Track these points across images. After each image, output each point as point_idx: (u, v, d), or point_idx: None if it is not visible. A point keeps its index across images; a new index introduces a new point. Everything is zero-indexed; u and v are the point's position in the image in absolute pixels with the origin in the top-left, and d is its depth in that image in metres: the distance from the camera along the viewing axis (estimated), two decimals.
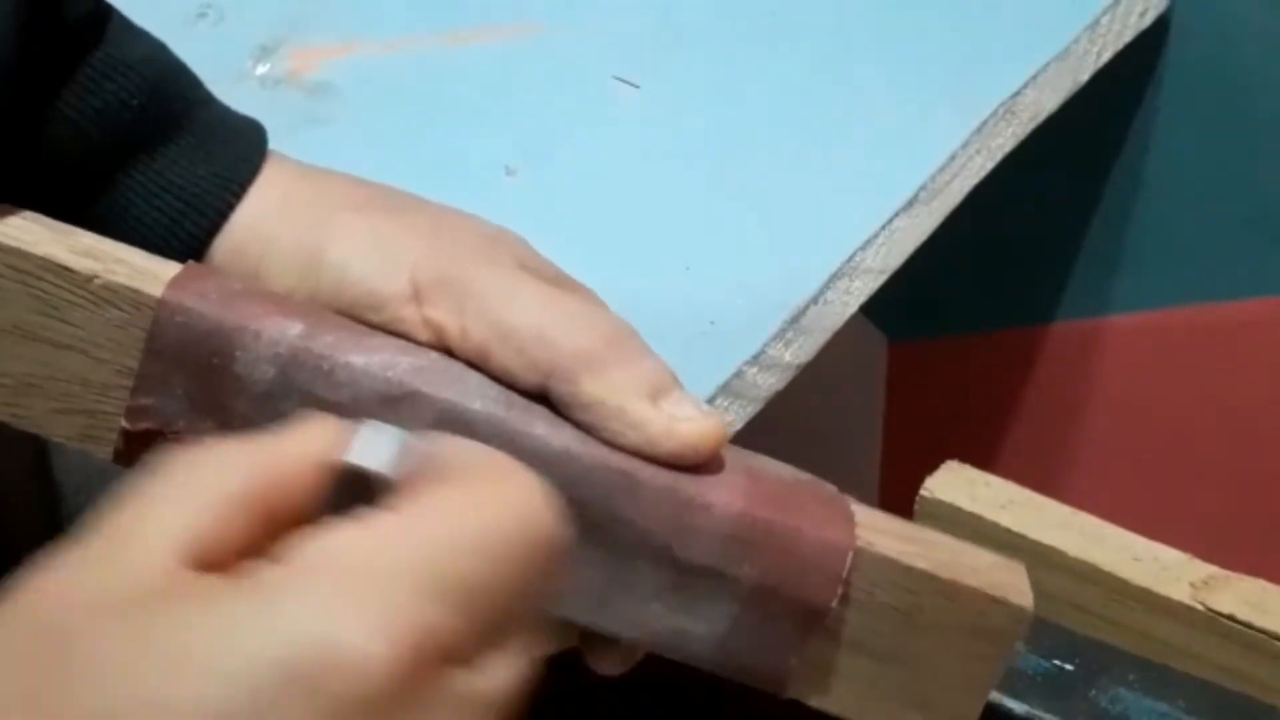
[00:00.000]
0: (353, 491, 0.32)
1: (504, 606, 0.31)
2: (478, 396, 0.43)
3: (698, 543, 0.43)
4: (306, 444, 0.33)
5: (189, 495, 0.31)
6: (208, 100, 0.50)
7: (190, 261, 0.45)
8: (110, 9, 0.48)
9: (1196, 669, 0.58)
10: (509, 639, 0.31)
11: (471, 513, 0.31)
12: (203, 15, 0.81)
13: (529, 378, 0.43)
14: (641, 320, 0.46)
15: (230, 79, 0.77)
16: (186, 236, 0.47)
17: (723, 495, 0.44)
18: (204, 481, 0.32)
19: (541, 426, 0.43)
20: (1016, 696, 0.54)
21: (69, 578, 0.30)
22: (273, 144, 0.50)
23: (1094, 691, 0.55)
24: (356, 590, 0.29)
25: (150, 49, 0.48)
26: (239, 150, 0.48)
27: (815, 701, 0.46)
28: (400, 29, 0.82)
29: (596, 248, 0.67)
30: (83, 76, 0.46)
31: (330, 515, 0.32)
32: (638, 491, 0.43)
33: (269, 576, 0.29)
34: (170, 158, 0.48)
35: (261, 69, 0.78)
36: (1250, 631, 0.58)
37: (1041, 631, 0.56)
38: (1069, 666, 0.56)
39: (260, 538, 0.31)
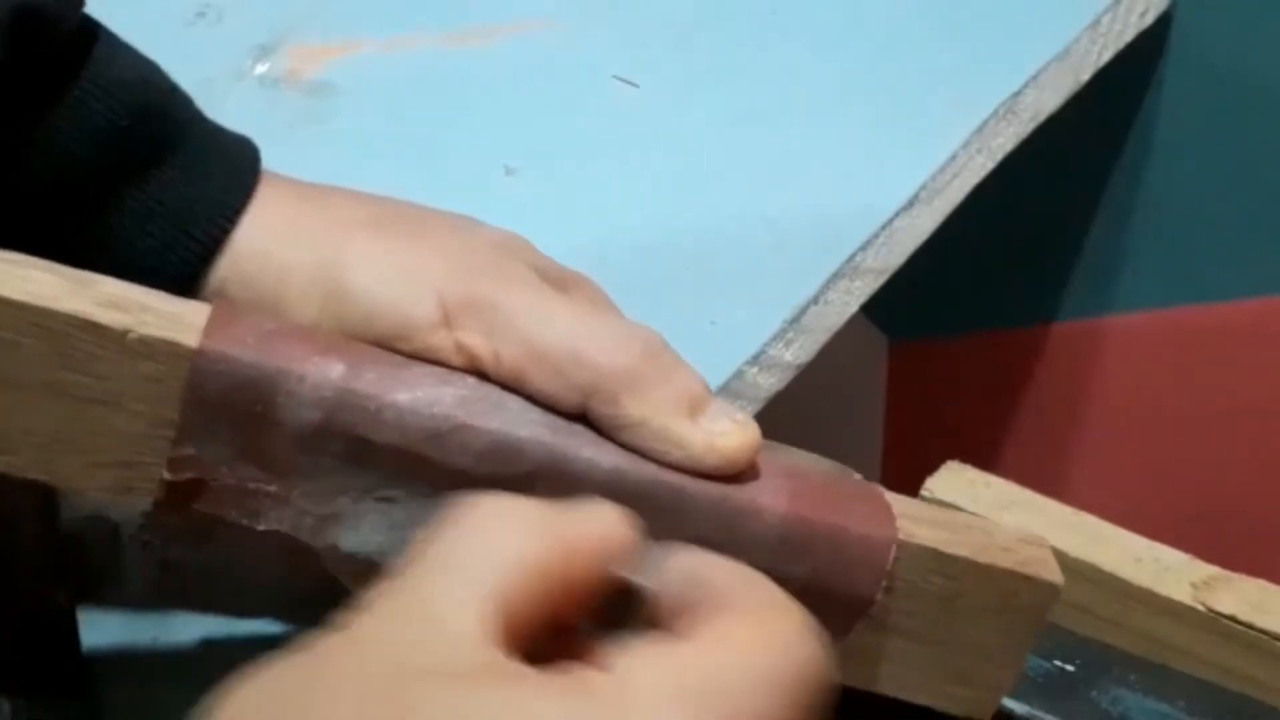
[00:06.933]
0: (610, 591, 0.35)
1: None
2: (522, 423, 0.43)
3: (750, 548, 0.43)
4: (604, 532, 0.34)
5: (494, 552, 0.32)
6: (199, 119, 0.48)
7: (219, 300, 0.43)
8: (98, 26, 0.47)
9: (1198, 670, 0.58)
10: None
11: (764, 650, 0.33)
12: (201, 14, 0.81)
13: (568, 398, 0.43)
14: (642, 320, 0.46)
15: (229, 78, 0.76)
16: (179, 263, 0.46)
17: (769, 499, 0.44)
18: (507, 540, 0.32)
19: (589, 449, 0.43)
20: (1017, 697, 0.53)
21: (391, 635, 0.31)
22: (272, 144, 0.50)
23: (1095, 692, 0.55)
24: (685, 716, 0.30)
25: (139, 68, 0.47)
26: (231, 172, 0.47)
27: (858, 682, 0.47)
28: (400, 29, 0.81)
29: (596, 247, 0.67)
30: (69, 98, 0.45)
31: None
32: (689, 505, 0.43)
33: (601, 688, 0.30)
34: (161, 181, 0.46)
35: (261, 68, 0.78)
36: (1252, 632, 0.58)
37: (1042, 632, 0.56)
38: (1070, 667, 0.56)
39: (552, 615, 0.32)
